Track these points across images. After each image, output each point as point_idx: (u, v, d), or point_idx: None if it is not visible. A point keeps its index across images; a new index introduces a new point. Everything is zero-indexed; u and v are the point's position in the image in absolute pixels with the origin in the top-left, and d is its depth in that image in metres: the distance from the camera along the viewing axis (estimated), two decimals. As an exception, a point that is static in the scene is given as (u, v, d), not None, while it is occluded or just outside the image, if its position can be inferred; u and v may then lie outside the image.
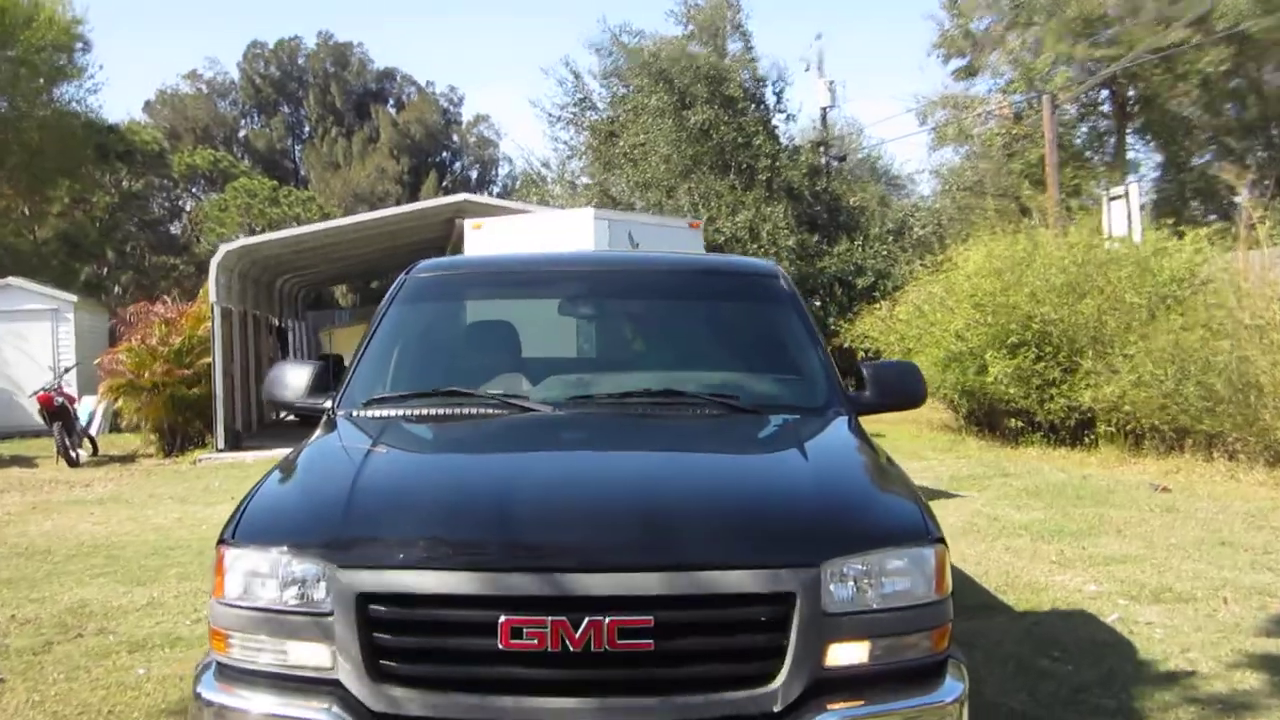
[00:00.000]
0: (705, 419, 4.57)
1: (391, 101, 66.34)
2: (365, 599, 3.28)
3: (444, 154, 67.04)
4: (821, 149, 33.14)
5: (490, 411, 4.59)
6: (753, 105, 29.02)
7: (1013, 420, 17.04)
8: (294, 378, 5.00)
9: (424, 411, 4.68)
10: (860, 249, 28.02)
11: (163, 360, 19.74)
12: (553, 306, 5.67)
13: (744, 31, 30.28)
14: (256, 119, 65.33)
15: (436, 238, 20.57)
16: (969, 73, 36.02)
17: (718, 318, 5.57)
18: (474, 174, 67.29)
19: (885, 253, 27.98)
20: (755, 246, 27.02)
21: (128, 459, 19.74)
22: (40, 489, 15.97)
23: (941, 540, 3.60)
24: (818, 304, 27.22)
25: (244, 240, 20.45)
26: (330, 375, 5.04)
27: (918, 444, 18.03)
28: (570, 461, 4.21)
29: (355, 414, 4.67)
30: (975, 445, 17.47)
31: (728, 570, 3.29)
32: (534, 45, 63.71)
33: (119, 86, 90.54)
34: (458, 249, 16.30)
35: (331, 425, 4.62)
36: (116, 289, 41.44)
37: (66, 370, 21.20)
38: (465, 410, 4.62)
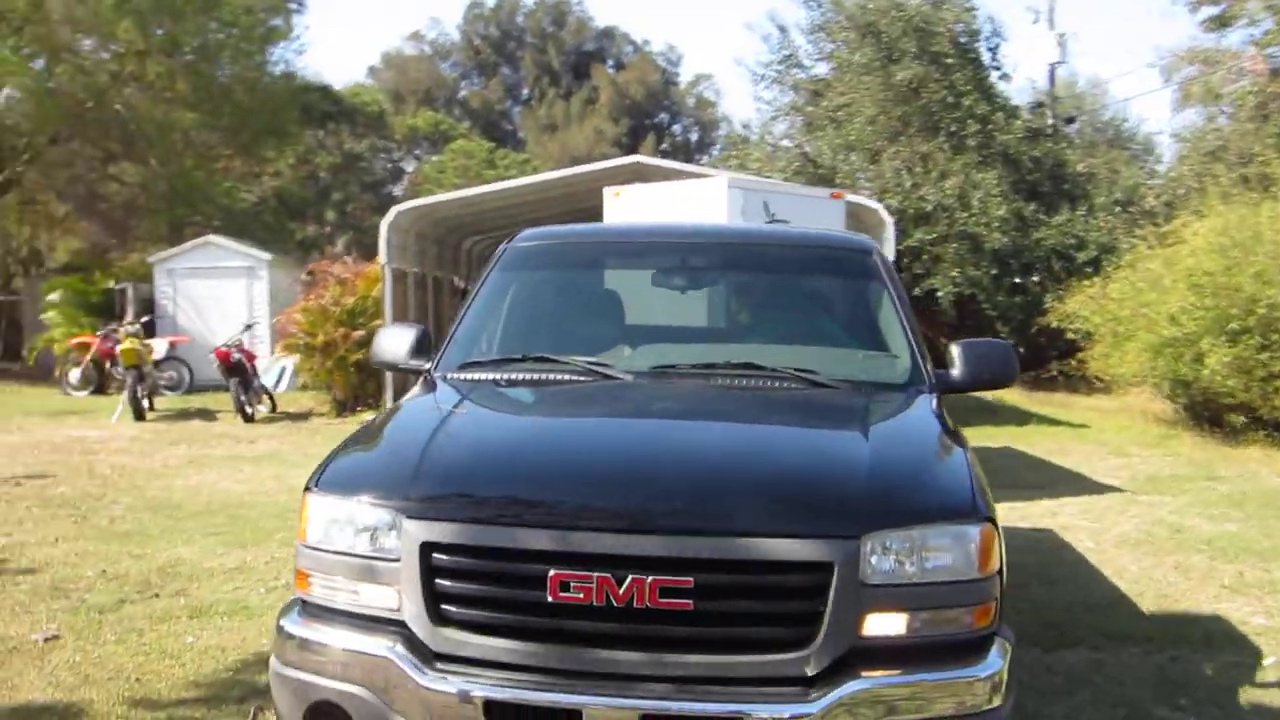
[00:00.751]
0: (781, 392, 4.68)
1: (610, 62, 65.73)
2: (428, 548, 3.54)
3: (662, 115, 66.23)
4: (1045, 109, 30.91)
5: (575, 378, 4.77)
6: (965, 62, 27.07)
7: (1234, 416, 15.18)
8: (398, 340, 5.26)
9: (513, 376, 4.88)
10: (1083, 220, 25.88)
11: (335, 321, 19.54)
12: (646, 278, 5.78)
13: (963, -23, 28.22)
14: (476, 80, 65.88)
15: (614, 199, 19.35)
16: (1221, 23, 32.80)
17: (808, 292, 5.73)
18: (694, 136, 66.40)
19: (1110, 224, 25.74)
20: (965, 215, 25.30)
21: (301, 417, 19.68)
22: (207, 443, 16.07)
23: (990, 519, 3.65)
24: (1034, 279, 25.35)
25: (417, 201, 19.98)
26: (432, 339, 5.29)
27: (1124, 437, 16.42)
28: (635, 428, 4.35)
29: (450, 376, 4.92)
30: (1189, 442, 15.67)
31: (767, 538, 3.43)
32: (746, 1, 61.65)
33: (347, 49, 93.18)
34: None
35: (428, 386, 4.90)
36: (338, 248, 42.35)
37: (248, 327, 21.28)
38: (553, 376, 4.79)
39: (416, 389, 4.95)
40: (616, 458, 3.96)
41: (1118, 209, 26.69)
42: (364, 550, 3.65)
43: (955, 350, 4.99)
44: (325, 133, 46.64)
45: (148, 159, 27.83)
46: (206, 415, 19.71)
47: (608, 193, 13.96)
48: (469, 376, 4.91)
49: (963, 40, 27.26)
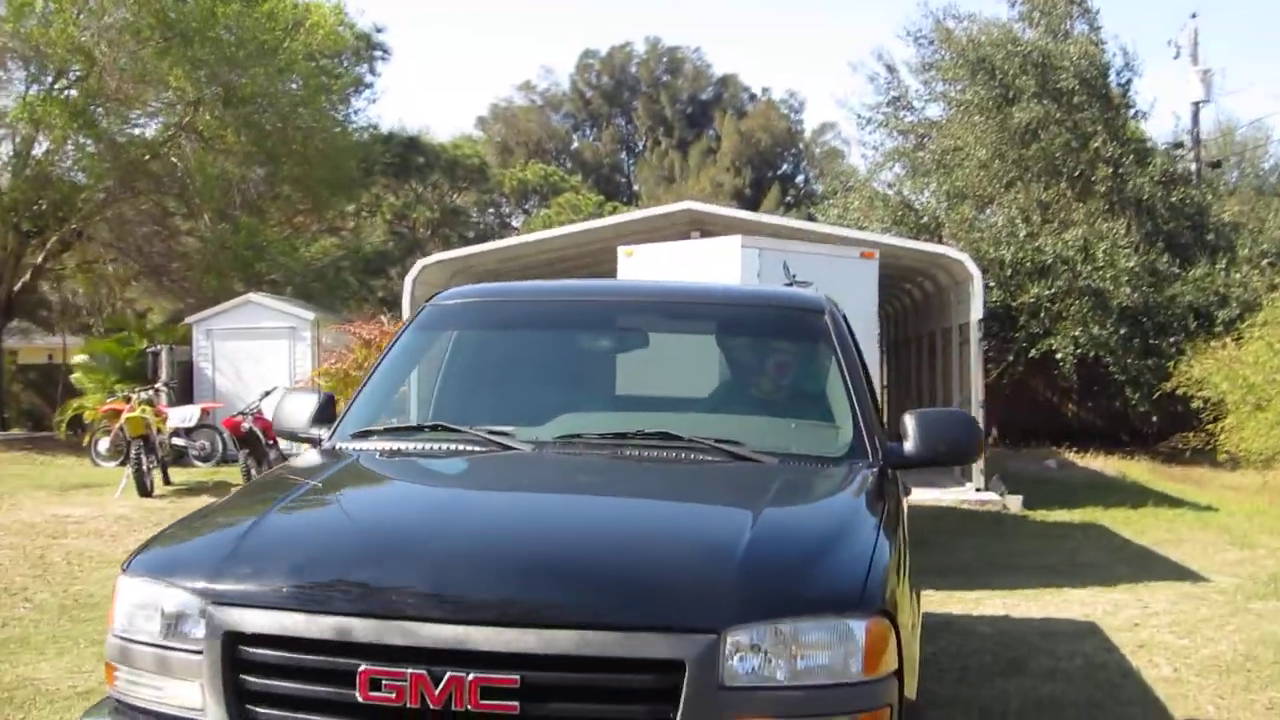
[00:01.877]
0: (689, 466, 4.32)
1: (730, 111, 63.49)
2: (233, 638, 3.25)
3: (785, 166, 63.86)
4: (1185, 152, 27.76)
5: (471, 448, 4.43)
6: (1092, 99, 24.21)
7: None
8: (299, 407, 4.97)
9: (402, 446, 4.54)
10: (1223, 274, 22.76)
11: (357, 386, 17.50)
12: (571, 340, 5.48)
13: (1088, 9, 25.44)
14: (588, 131, 64.51)
15: (668, 249, 17.47)
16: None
17: (744, 355, 5.45)
18: (820, 188, 63.88)
19: (1255, 279, 22.58)
20: (1089, 268, 22.52)
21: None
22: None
23: (884, 613, 3.25)
24: (1170, 340, 22.39)
25: (448, 254, 17.96)
26: (335, 406, 5.02)
27: (1256, 524, 13.82)
28: (495, 506, 4.07)
29: (339, 446, 4.62)
30: (1344, 532, 12.96)
31: (607, 631, 3.08)
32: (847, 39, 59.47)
33: (453, 100, 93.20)
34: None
35: (307, 457, 4.73)
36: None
37: (266, 394, 19.44)
38: (445, 446, 4.48)
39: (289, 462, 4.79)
40: (455, 539, 3.56)
41: (1265, 262, 23.49)
42: (167, 640, 3.36)
43: (909, 421, 4.58)
44: (424, 186, 45.52)
45: (203, 214, 26.51)
46: (223, 490, 17.81)
47: (621, 252, 13.34)
48: (357, 446, 4.56)
49: (1087, 76, 24.40)
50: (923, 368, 21.36)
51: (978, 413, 15.80)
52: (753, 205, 53.67)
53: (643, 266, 12.69)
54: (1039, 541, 12.93)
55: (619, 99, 63.40)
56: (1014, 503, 15.32)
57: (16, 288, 26.84)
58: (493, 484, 4.29)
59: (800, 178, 64.06)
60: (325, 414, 4.90)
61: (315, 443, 4.82)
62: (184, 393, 22.16)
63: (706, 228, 16.60)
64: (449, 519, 3.81)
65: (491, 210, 53.21)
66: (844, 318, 5.34)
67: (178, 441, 20.39)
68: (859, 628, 3.16)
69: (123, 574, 3.56)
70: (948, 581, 10.23)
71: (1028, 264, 23.00)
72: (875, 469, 4.37)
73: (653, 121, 62.08)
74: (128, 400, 19.75)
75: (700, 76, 63.67)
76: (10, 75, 24.39)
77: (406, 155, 38.13)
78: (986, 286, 22.06)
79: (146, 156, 26.19)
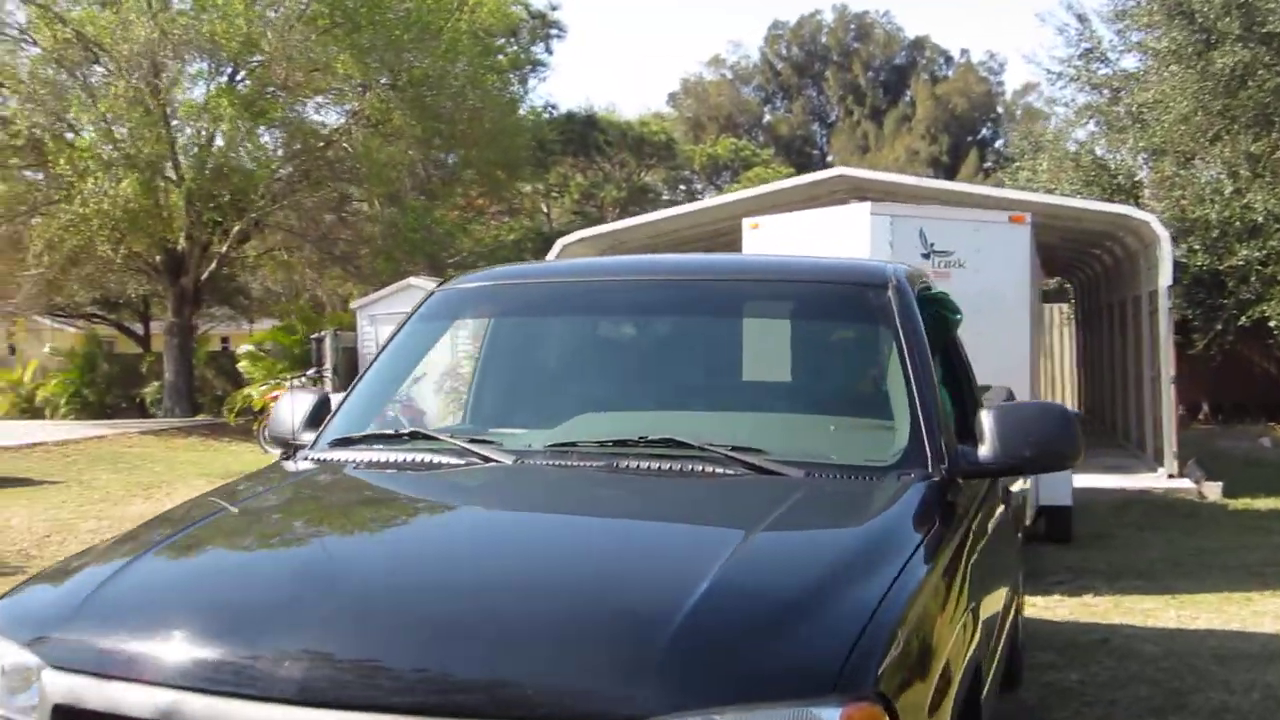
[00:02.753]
0: (690, 482, 3.59)
1: (925, 75, 61.29)
2: (61, 713, 2.72)
3: (984, 130, 61.32)
4: None
5: (445, 461, 3.83)
6: (1308, 39, 22.00)
7: None
8: (292, 410, 4.44)
9: (372, 457, 4.00)
10: None
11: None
12: (587, 326, 4.84)
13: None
14: (779, 103, 63.20)
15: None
16: None
17: (785, 341, 4.64)
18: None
19: None
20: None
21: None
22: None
23: (876, 696, 2.47)
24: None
25: (593, 230, 17.31)
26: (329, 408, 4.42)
27: None
28: (416, 546, 3.36)
29: (311, 456, 4.11)
30: None
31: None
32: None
33: (643, 78, 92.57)
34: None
35: (267, 471, 4.34)
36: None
37: (416, 380, 19.23)
38: (419, 458, 3.87)
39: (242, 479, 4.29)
40: (339, 590, 2.84)
41: None
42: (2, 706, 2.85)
43: (985, 419, 3.85)
44: (611, 164, 45.23)
45: (374, 199, 26.65)
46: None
47: (745, 224, 12.41)
48: (328, 457, 4.07)
49: (1303, 12, 22.17)
50: (1114, 340, 19.82)
51: (1167, 389, 14.37)
52: (950, 173, 51.75)
53: (768, 239, 11.79)
54: (1238, 537, 11.32)
55: (809, 69, 61.97)
56: (1212, 490, 13.64)
57: (204, 276, 27.54)
58: (433, 513, 3.78)
59: (1000, 142, 61.39)
60: (317, 418, 4.40)
61: (291, 452, 4.33)
62: (349, 379, 22.25)
63: (866, 193, 15.55)
64: (346, 564, 3.20)
65: (682, 187, 52.63)
66: (919, 292, 4.51)
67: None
68: (833, 717, 2.42)
69: None
70: (1119, 586, 9.07)
71: (1236, 224, 20.94)
72: (933, 482, 3.62)
73: (844, 91, 60.46)
74: (290, 387, 19.88)
75: (891, 41, 61.65)
76: (189, 68, 24.83)
77: (585, 133, 37.74)
78: (1190, 249, 20.39)
79: (321, 144, 26.47)
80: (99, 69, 23.84)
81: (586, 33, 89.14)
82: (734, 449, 3.66)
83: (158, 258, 26.94)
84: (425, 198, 27.91)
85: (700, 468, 3.62)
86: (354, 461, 4.02)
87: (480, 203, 32.82)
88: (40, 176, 25.43)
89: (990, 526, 4.38)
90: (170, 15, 23.21)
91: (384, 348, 4.70)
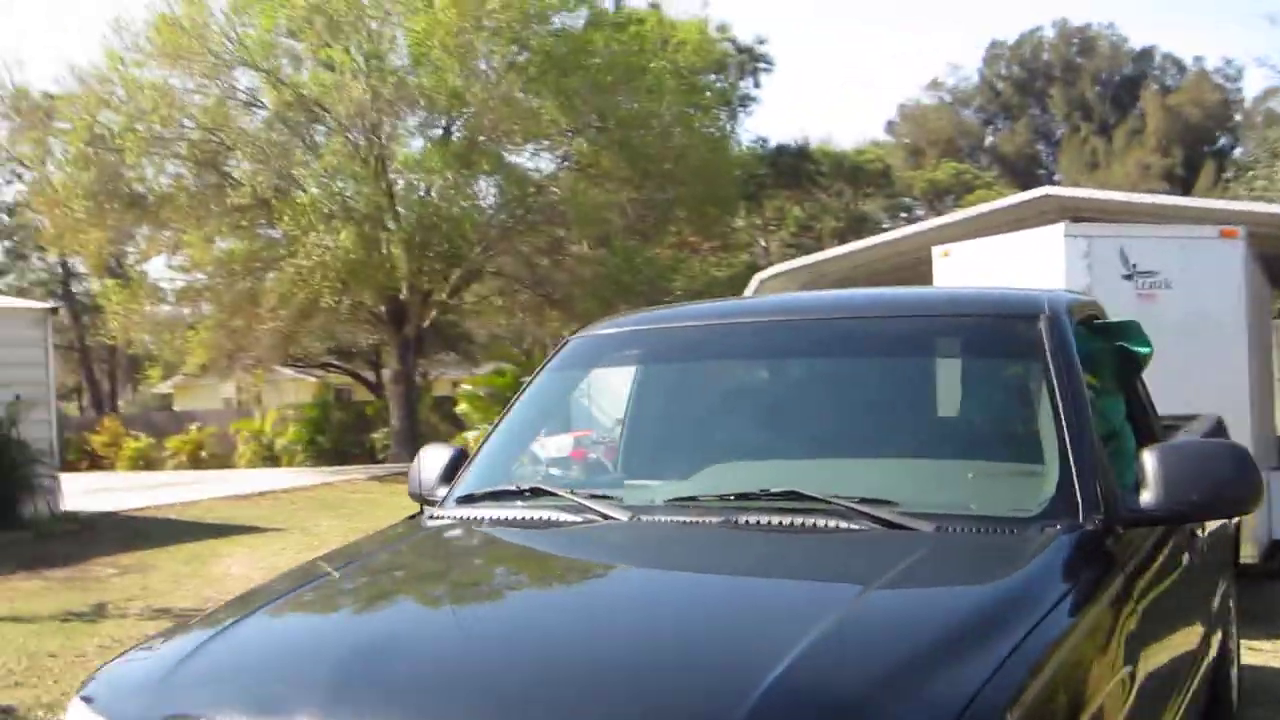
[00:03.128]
0: (811, 538, 3.33)
1: (1155, 86, 58.54)
2: None
3: (1222, 140, 58.12)
4: None
5: (565, 519, 3.67)
6: None
7: None
8: (424, 465, 4.38)
9: (496, 514, 3.87)
10: None
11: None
12: (724, 371, 4.67)
13: None
14: (1001, 124, 61.40)
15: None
16: None
17: (924, 379, 4.29)
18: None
19: None
20: None
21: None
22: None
23: None
24: None
25: (791, 264, 16.89)
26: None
27: None
28: (501, 613, 3.25)
29: (436, 515, 4.01)
30: None
31: None
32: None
33: (860, 107, 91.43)
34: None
35: (392, 528, 4.14)
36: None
37: (619, 421, 19.16)
38: (539, 515, 3.73)
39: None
40: (415, 658, 2.77)
41: None
42: None
43: (1147, 460, 3.39)
44: (828, 195, 44.76)
45: (582, 241, 26.93)
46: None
47: (936, 253, 11.67)
48: (456, 514, 3.97)
49: None
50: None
51: None
52: (1185, 186, 49.25)
53: (960, 267, 11.15)
54: None
55: (1031, 87, 60.06)
56: None
57: (426, 324, 28.30)
58: (530, 577, 3.62)
59: (1239, 151, 58.04)
60: (451, 473, 4.31)
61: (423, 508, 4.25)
62: (563, 422, 22.41)
63: (1077, 213, 14.70)
64: (411, 638, 3.04)
65: (903, 214, 51.70)
66: (1090, 323, 4.22)
67: (555, 471, 20.60)
68: None
69: (74, 699, 3.00)
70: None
71: None
72: (1084, 532, 3.25)
73: (1070, 107, 58.28)
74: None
75: (1117, 54, 59.17)
76: (404, 122, 25.63)
77: (797, 165, 37.38)
78: None
79: (534, 190, 26.95)
80: (320, 128, 24.81)
81: (800, 65, 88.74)
82: (861, 501, 3.38)
83: (381, 308, 27.86)
84: (637, 238, 28.03)
85: (823, 522, 3.35)
86: (475, 519, 3.92)
87: (694, 240, 32.82)
88: (273, 234, 26.65)
89: (1170, 574, 3.94)
90: (383, 74, 23.98)
91: (516, 399, 4.58)
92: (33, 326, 17.71)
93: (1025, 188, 48.41)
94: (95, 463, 32.17)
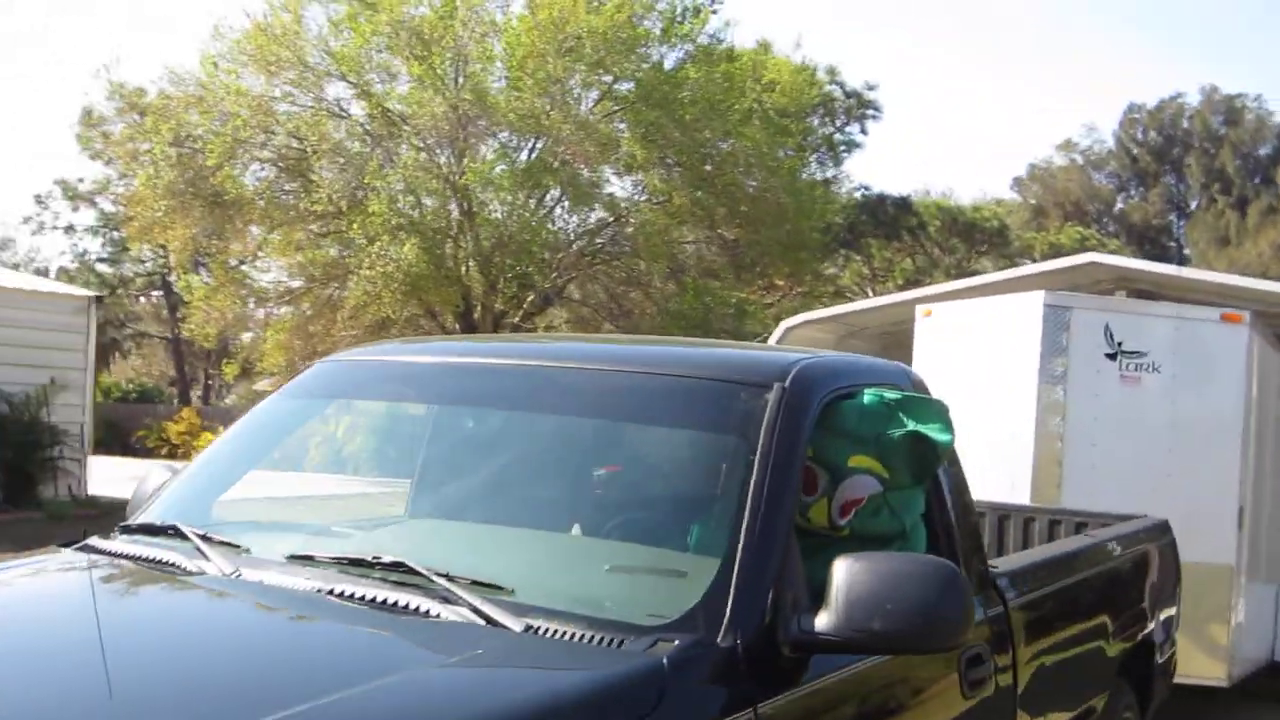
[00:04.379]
0: (388, 619, 2.93)
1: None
2: None
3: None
4: None
5: (175, 562, 3.32)
6: None
7: None
8: (146, 486, 4.02)
9: (121, 549, 3.51)
10: None
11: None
12: (417, 415, 4.52)
13: None
14: (1134, 191, 59.46)
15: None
16: None
17: (614, 448, 3.91)
18: None
19: None
20: None
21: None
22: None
23: None
24: None
25: (814, 313, 16.27)
26: None
27: None
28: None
29: (92, 543, 3.60)
30: None
31: None
32: None
33: (990, 165, 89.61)
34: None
35: (42, 552, 3.76)
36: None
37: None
38: (160, 556, 3.38)
39: None
40: None
41: None
42: None
43: (835, 572, 2.87)
44: (941, 250, 43.88)
45: (653, 276, 26.68)
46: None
47: (918, 312, 11.00)
48: (104, 545, 3.59)
49: None
50: None
51: None
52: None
53: (940, 331, 10.51)
54: None
55: (1169, 155, 57.91)
56: None
57: (497, 344, 28.30)
58: (39, 618, 3.19)
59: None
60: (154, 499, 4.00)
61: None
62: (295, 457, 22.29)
63: (1133, 284, 13.84)
64: None
65: (1020, 275, 50.41)
66: (877, 400, 3.65)
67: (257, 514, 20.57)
68: None
69: None
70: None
71: None
72: (705, 655, 2.76)
73: (1207, 178, 56.11)
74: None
75: (1262, 127, 56.83)
76: (483, 142, 25.72)
77: (897, 216, 36.65)
78: None
79: (610, 219, 26.86)
80: (399, 141, 25.03)
81: (930, 116, 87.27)
82: (473, 584, 2.97)
83: (456, 326, 27.97)
84: (712, 276, 27.70)
85: (415, 604, 2.95)
86: (103, 551, 3.57)
87: (783, 284, 32.35)
88: (350, 242, 27.00)
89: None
90: (464, 93, 24.12)
91: (232, 429, 4.26)
92: (75, 314, 18.15)
93: (1152, 258, 46.96)
94: (173, 451, 32.90)
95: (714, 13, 26.28)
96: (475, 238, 25.00)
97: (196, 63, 25.37)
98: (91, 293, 20.10)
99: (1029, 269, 15.86)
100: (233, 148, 24.24)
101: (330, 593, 3.05)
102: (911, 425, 3.62)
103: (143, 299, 48.62)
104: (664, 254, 25.29)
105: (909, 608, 2.82)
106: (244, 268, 26.90)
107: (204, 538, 3.41)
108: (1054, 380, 9.46)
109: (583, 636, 2.80)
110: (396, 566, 3.09)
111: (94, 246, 43.33)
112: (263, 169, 25.90)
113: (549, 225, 25.91)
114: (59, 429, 17.39)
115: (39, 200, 44.03)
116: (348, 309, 26.43)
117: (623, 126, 24.90)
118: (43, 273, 42.30)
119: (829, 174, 32.43)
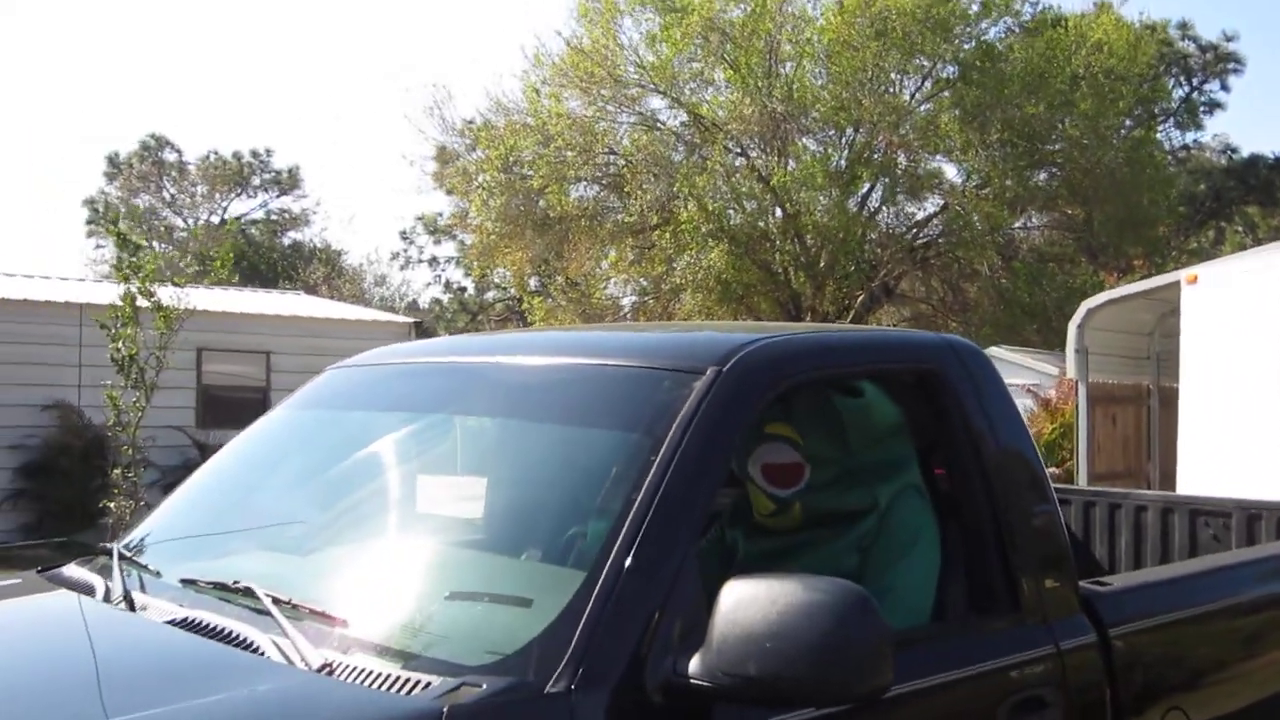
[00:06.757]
0: (217, 652, 2.56)
1: None
2: None
3: None
4: None
5: (91, 582, 3.13)
6: None
7: None
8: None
9: (66, 572, 3.33)
10: None
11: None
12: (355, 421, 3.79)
13: None
14: None
15: None
16: None
17: (527, 448, 3.21)
18: None
19: None
20: None
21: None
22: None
23: None
24: None
25: (1127, 288, 14.93)
26: None
27: None
28: None
29: (53, 567, 3.45)
30: None
31: None
32: None
33: None
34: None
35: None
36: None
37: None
38: (83, 579, 3.19)
39: None
40: None
41: None
42: None
43: (722, 596, 2.33)
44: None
45: (981, 263, 25.32)
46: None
47: (1182, 278, 10.28)
48: (74, 568, 3.38)
49: None
50: None
51: None
52: None
53: (1210, 299, 9.44)
54: None
55: None
56: None
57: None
58: None
59: None
60: None
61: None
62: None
63: None
64: None
65: None
66: (800, 391, 3.17)
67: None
68: None
69: None
70: None
71: None
72: (536, 711, 2.28)
73: None
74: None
75: None
76: (793, 139, 25.29)
77: (1273, 179, 33.19)
78: None
79: (939, 209, 25.86)
80: (710, 145, 24.96)
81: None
82: (311, 613, 2.62)
83: (783, 330, 27.64)
84: (1060, 261, 26.10)
85: (245, 635, 2.60)
86: (57, 573, 3.37)
87: (1140, 263, 30.14)
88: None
89: None
90: (777, 90, 23.75)
91: (231, 444, 3.92)
92: (397, 340, 19.09)
93: None
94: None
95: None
96: (797, 239, 24.55)
97: (519, 91, 26.31)
98: (410, 319, 21.10)
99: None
100: (558, 169, 24.91)
101: (177, 622, 2.75)
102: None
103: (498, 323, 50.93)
104: (991, 241, 23.98)
105: (791, 647, 2.22)
106: (580, 286, 27.49)
107: (124, 558, 3.17)
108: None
109: (378, 677, 2.36)
110: (248, 593, 2.72)
111: (455, 276, 45.60)
112: (587, 187, 26.48)
113: (871, 220, 25.12)
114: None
115: (404, 236, 46.77)
116: (680, 320, 26.62)
117: (943, 111, 23.82)
118: (414, 306, 45.01)
119: (1189, 139, 29.74)
